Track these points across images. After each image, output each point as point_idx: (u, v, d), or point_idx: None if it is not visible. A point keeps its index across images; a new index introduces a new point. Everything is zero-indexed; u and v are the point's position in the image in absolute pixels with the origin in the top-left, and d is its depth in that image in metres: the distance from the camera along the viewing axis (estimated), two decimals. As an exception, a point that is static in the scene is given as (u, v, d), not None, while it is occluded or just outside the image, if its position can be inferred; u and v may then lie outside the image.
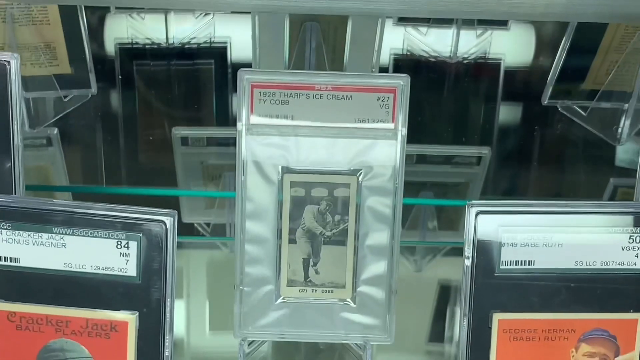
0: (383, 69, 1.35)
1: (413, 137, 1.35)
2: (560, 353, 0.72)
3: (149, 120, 1.27)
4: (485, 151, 1.28)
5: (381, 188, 0.84)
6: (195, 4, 1.00)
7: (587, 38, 1.14)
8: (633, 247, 0.72)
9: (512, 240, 0.70)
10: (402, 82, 0.82)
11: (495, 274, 0.70)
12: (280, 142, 0.83)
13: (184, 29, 1.31)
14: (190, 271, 1.21)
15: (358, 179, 0.84)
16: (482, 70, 1.35)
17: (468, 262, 0.69)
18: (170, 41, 1.31)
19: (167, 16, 1.28)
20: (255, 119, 0.82)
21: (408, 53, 1.38)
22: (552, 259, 0.71)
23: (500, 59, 1.36)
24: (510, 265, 0.70)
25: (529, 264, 0.71)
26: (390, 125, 0.83)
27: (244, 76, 0.81)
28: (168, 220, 0.69)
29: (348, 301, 0.86)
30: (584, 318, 0.72)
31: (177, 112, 1.29)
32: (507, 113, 1.35)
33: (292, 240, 0.85)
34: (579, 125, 1.22)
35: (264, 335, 0.87)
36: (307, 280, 0.86)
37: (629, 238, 0.71)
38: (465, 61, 1.34)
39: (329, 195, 0.84)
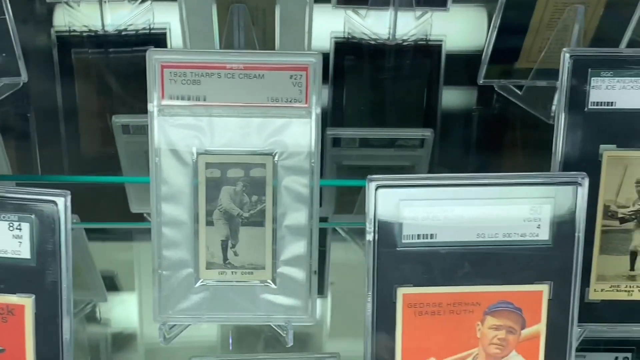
0: (325, 53, 1.34)
1: (356, 120, 1.35)
2: (467, 326, 0.72)
3: (88, 108, 1.26)
4: (427, 133, 1.28)
5: (297, 168, 0.83)
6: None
7: (517, 16, 1.14)
8: (535, 219, 0.71)
9: (413, 214, 0.69)
10: (314, 59, 0.81)
11: (398, 249, 0.70)
12: (193, 123, 0.82)
13: (120, 16, 1.30)
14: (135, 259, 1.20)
15: (274, 158, 0.83)
16: (422, 52, 1.35)
17: (370, 237, 0.68)
18: (107, 28, 1.30)
19: (101, 3, 1.27)
20: (166, 100, 0.81)
21: (349, 36, 1.37)
22: (454, 232, 0.70)
23: (441, 41, 1.36)
24: (412, 239, 0.70)
25: (430, 238, 0.70)
26: (304, 104, 0.82)
27: (152, 56, 0.81)
28: (60, 201, 0.68)
29: (268, 282, 0.85)
30: (489, 291, 0.72)
31: (116, 100, 1.28)
32: (449, 94, 1.34)
33: (209, 223, 0.85)
34: (516, 105, 1.21)
35: (184, 319, 0.86)
36: (226, 262, 0.86)
37: (531, 209, 0.71)
38: (405, 43, 1.34)
39: (245, 175, 0.84)
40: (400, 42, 1.34)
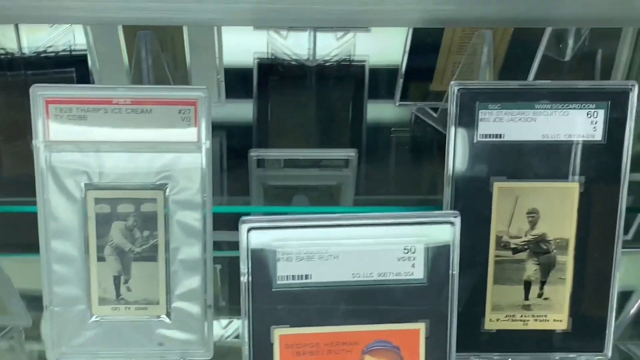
0: (248, 74, 1.34)
1: (280, 140, 1.35)
2: (345, 366, 0.72)
3: (9, 132, 1.25)
4: (351, 153, 1.27)
5: (189, 201, 0.83)
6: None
7: (427, 39, 1.14)
8: (409, 258, 0.71)
9: (286, 254, 0.69)
10: (202, 94, 0.81)
11: (273, 289, 0.69)
12: (80, 158, 0.82)
13: (38, 38, 1.29)
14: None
15: (164, 193, 0.82)
16: (345, 72, 1.35)
17: (244, 279, 0.68)
18: (24, 51, 1.28)
19: (17, 26, 1.26)
20: (53, 136, 0.81)
21: (272, 57, 1.36)
22: (328, 272, 0.70)
23: (364, 61, 1.35)
24: (287, 280, 0.70)
25: (305, 278, 0.70)
26: (194, 138, 0.82)
27: (37, 92, 0.80)
28: None
29: (163, 317, 0.85)
30: (366, 330, 0.72)
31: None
32: (372, 114, 1.34)
33: (100, 258, 0.84)
34: (432, 126, 1.22)
35: (79, 355, 0.85)
36: (119, 297, 0.85)
37: (404, 249, 0.71)
38: (328, 64, 1.33)
39: (136, 210, 0.83)
40: (322, 62, 1.33)
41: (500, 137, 0.83)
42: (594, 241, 0.85)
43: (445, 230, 0.71)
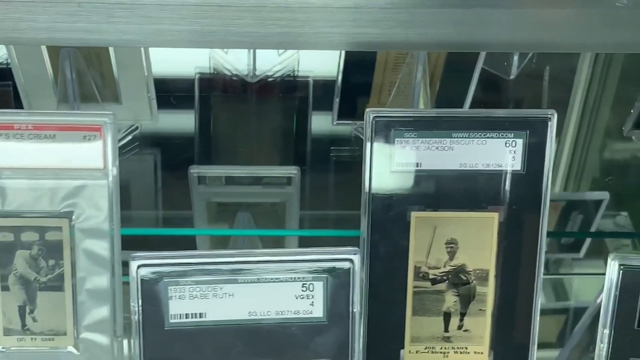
0: (190, 89, 1.31)
1: (221, 158, 1.32)
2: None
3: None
4: (294, 171, 1.25)
5: (96, 230, 0.80)
6: None
7: (361, 58, 1.12)
8: (307, 296, 0.69)
9: (179, 292, 0.66)
10: (107, 119, 0.78)
11: (166, 328, 0.66)
12: (-18, 186, 0.78)
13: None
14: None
15: (70, 221, 0.79)
16: (288, 88, 1.32)
17: (135, 317, 0.65)
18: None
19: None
20: (-48, 162, 0.78)
21: (214, 72, 1.34)
22: (224, 310, 0.67)
23: (307, 77, 1.33)
24: (180, 318, 0.67)
25: (200, 317, 0.68)
26: (100, 165, 0.79)
27: None
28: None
29: (71, 349, 0.82)
30: (265, 370, 0.69)
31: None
32: (316, 131, 1.32)
33: (4, 288, 0.81)
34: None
35: (-16, 387, 0.82)
36: (25, 328, 0.82)
37: (303, 286, 0.68)
38: (270, 79, 1.31)
39: (40, 239, 0.81)
40: (264, 78, 1.30)
41: (417, 166, 0.80)
42: (514, 272, 0.83)
43: (344, 268, 0.68)
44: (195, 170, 1.19)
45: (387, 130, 0.80)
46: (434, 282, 0.83)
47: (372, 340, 0.84)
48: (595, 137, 1.37)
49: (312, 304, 0.69)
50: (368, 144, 0.80)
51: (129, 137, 1.17)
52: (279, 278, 0.67)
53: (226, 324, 0.67)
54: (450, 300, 0.84)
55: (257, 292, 0.68)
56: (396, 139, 0.79)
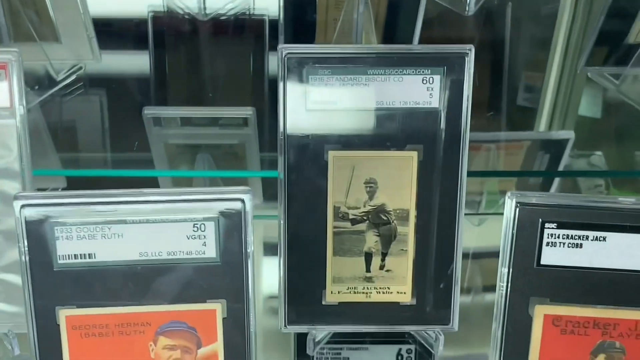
0: (140, 28, 1.29)
1: (175, 99, 1.30)
2: (138, 348, 0.69)
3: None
4: (249, 112, 1.23)
5: (6, 170, 0.79)
6: None
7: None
8: (199, 236, 0.67)
9: (66, 233, 0.65)
10: (12, 57, 0.76)
11: (55, 269, 0.66)
12: None
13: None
14: None
15: (-19, 162, 0.78)
16: (242, 27, 1.29)
17: (23, 258, 0.64)
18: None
19: None
20: None
21: (167, 10, 1.31)
22: (114, 251, 0.66)
23: (263, 15, 1.30)
24: (69, 259, 0.66)
25: (89, 257, 0.67)
26: (6, 104, 0.77)
27: None
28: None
29: None
30: (159, 311, 0.68)
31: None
32: (272, 70, 1.29)
33: None
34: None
35: None
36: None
37: (194, 226, 0.67)
38: (223, 18, 1.28)
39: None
40: (216, 16, 1.28)
41: (332, 104, 0.78)
42: (434, 211, 0.81)
43: (236, 207, 0.66)
44: (149, 112, 1.17)
45: (300, 67, 0.77)
46: (354, 222, 0.82)
47: (292, 281, 0.83)
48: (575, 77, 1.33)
49: (204, 244, 0.67)
50: (281, 83, 0.77)
51: (73, 77, 1.14)
52: (169, 218, 0.66)
53: (116, 265, 0.66)
54: (371, 240, 0.82)
55: (147, 233, 0.66)
56: (310, 77, 0.77)
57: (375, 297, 0.84)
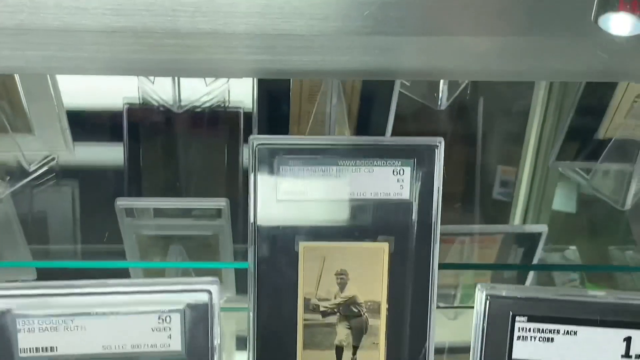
0: (117, 121, 1.29)
1: (150, 190, 1.30)
2: None
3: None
4: (222, 203, 1.23)
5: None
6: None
7: (274, 88, 1.10)
8: (164, 328, 0.66)
9: (28, 325, 0.64)
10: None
11: (16, 363, 0.64)
12: None
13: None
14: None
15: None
16: (217, 119, 1.30)
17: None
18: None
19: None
20: None
21: (142, 102, 1.32)
22: (76, 344, 0.64)
23: (239, 108, 1.31)
24: (30, 352, 0.64)
25: (51, 351, 0.65)
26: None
27: None
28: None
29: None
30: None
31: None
32: (246, 162, 1.29)
33: None
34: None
35: None
36: None
37: (159, 318, 0.65)
38: (198, 110, 1.28)
39: None
40: (191, 108, 1.28)
41: (303, 195, 0.78)
42: (406, 303, 0.80)
43: (203, 298, 0.65)
44: (122, 202, 1.16)
45: (271, 158, 0.77)
46: (325, 314, 0.81)
47: (262, 374, 0.81)
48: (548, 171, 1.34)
49: (169, 337, 0.66)
50: (252, 173, 0.77)
51: (45, 168, 1.14)
52: (133, 310, 0.64)
53: (79, 359, 0.64)
54: (342, 333, 0.81)
55: (111, 325, 0.65)
56: (281, 167, 0.77)
57: (346, 393, 0.83)
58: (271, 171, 0.77)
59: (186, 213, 1.23)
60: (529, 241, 1.27)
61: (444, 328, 1.08)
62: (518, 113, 1.31)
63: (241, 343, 1.22)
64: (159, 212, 1.23)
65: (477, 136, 1.28)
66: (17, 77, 1.03)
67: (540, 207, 1.31)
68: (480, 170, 1.28)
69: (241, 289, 1.25)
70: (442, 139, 0.78)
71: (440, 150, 0.78)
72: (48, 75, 1.04)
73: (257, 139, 0.77)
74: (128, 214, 1.17)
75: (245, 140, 1.31)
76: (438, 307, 0.83)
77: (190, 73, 0.89)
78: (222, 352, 0.64)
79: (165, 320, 0.65)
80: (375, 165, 0.78)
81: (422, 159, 0.78)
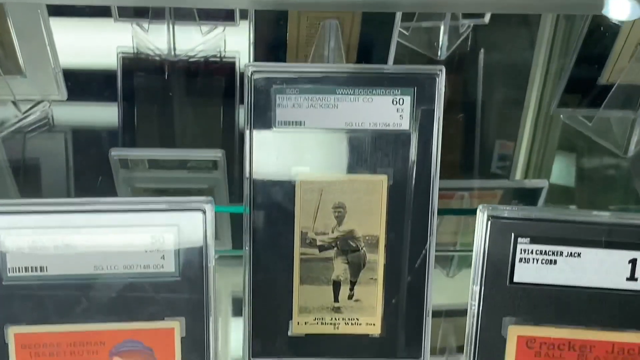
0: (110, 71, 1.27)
1: (145, 140, 1.27)
2: (91, 369, 0.64)
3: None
4: (218, 154, 1.21)
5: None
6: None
7: (271, 32, 1.08)
8: (157, 249, 0.64)
9: (17, 244, 0.62)
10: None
11: (4, 283, 0.62)
12: None
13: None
14: None
15: None
16: (212, 68, 1.28)
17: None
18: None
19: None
20: None
21: (136, 52, 1.29)
22: (66, 264, 0.62)
23: (234, 57, 1.29)
24: (19, 272, 0.62)
25: (40, 271, 0.63)
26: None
27: None
28: None
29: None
30: (113, 329, 0.64)
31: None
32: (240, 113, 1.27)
33: None
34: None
35: None
36: None
37: (152, 238, 0.64)
38: (192, 59, 1.26)
39: None
40: (186, 58, 1.26)
41: (300, 125, 0.75)
42: (405, 237, 0.78)
43: (197, 219, 0.63)
44: (116, 153, 1.14)
45: (267, 86, 0.75)
46: (322, 249, 0.79)
47: (258, 311, 0.79)
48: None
49: (162, 258, 0.64)
50: (248, 102, 0.75)
51: (37, 114, 1.12)
52: (125, 229, 0.62)
53: (69, 280, 0.62)
54: (340, 268, 0.79)
55: (103, 245, 0.63)
56: (277, 96, 0.75)
57: (344, 329, 0.81)
58: (267, 101, 0.75)
59: (181, 165, 1.21)
60: (530, 197, 1.25)
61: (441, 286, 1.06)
62: (520, 62, 1.28)
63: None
64: (154, 164, 1.20)
65: (477, 86, 1.26)
66: (8, 16, 1.01)
67: (543, 158, 1.29)
68: (480, 122, 1.26)
69: (237, 245, 1.23)
70: (442, 67, 0.76)
71: (441, 79, 0.76)
72: (39, 13, 1.01)
73: (253, 67, 0.75)
74: (122, 165, 1.15)
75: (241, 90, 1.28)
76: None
77: (186, 2, 0.87)
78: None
79: (158, 240, 0.63)
80: (374, 94, 0.76)
81: (422, 88, 0.76)
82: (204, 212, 0.63)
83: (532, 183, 1.28)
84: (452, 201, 1.24)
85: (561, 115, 1.15)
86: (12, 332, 0.63)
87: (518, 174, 1.34)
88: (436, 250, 0.79)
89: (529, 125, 1.28)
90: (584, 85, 1.15)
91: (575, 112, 1.14)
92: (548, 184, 1.23)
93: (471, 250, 1.18)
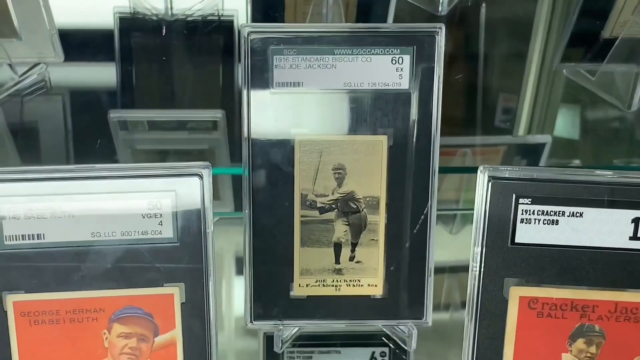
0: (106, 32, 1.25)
1: (144, 101, 1.26)
2: (91, 336, 0.64)
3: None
4: (218, 115, 1.20)
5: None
6: None
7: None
8: (155, 214, 0.64)
9: (13, 211, 0.61)
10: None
11: (1, 251, 0.61)
12: None
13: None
14: None
15: None
16: (211, 28, 1.26)
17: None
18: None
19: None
20: None
21: (134, 12, 1.27)
22: (63, 231, 0.62)
23: (231, 16, 1.27)
24: (16, 240, 0.62)
25: (37, 238, 0.62)
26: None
27: None
28: None
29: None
30: (112, 295, 0.64)
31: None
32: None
33: None
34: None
35: None
36: None
37: (149, 204, 0.63)
38: (190, 19, 1.24)
39: None
40: (183, 17, 1.24)
41: (298, 86, 0.74)
42: (406, 198, 0.77)
43: (194, 184, 0.62)
44: (115, 115, 1.13)
45: (264, 47, 0.74)
46: (322, 210, 0.78)
47: (259, 274, 0.78)
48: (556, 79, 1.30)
49: (160, 224, 0.63)
50: (245, 64, 0.74)
51: (34, 76, 1.10)
52: (122, 195, 0.61)
53: (67, 246, 0.62)
54: (341, 230, 0.78)
55: (100, 211, 0.62)
56: (275, 57, 0.74)
57: (345, 290, 0.80)
58: (264, 62, 0.74)
59: (181, 125, 1.20)
60: (533, 152, 1.24)
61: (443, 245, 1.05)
62: (522, 16, 1.26)
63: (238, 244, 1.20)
64: (153, 125, 1.19)
65: (479, 41, 1.24)
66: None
67: (546, 113, 1.27)
68: (483, 77, 1.25)
69: (239, 207, 1.22)
70: (442, 25, 0.74)
71: (441, 37, 0.74)
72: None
73: (249, 27, 0.73)
74: (122, 126, 1.14)
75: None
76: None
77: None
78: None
79: (156, 205, 0.62)
80: (373, 53, 0.74)
81: (421, 46, 0.74)
82: (201, 177, 0.62)
83: (535, 139, 1.27)
84: (454, 158, 1.23)
85: (564, 70, 1.13)
86: (11, 300, 0.62)
87: (521, 130, 1.33)
88: (439, 208, 0.78)
89: (532, 80, 1.26)
90: (587, 39, 1.13)
91: (578, 67, 1.12)
92: (551, 139, 1.22)
93: (473, 209, 1.17)
